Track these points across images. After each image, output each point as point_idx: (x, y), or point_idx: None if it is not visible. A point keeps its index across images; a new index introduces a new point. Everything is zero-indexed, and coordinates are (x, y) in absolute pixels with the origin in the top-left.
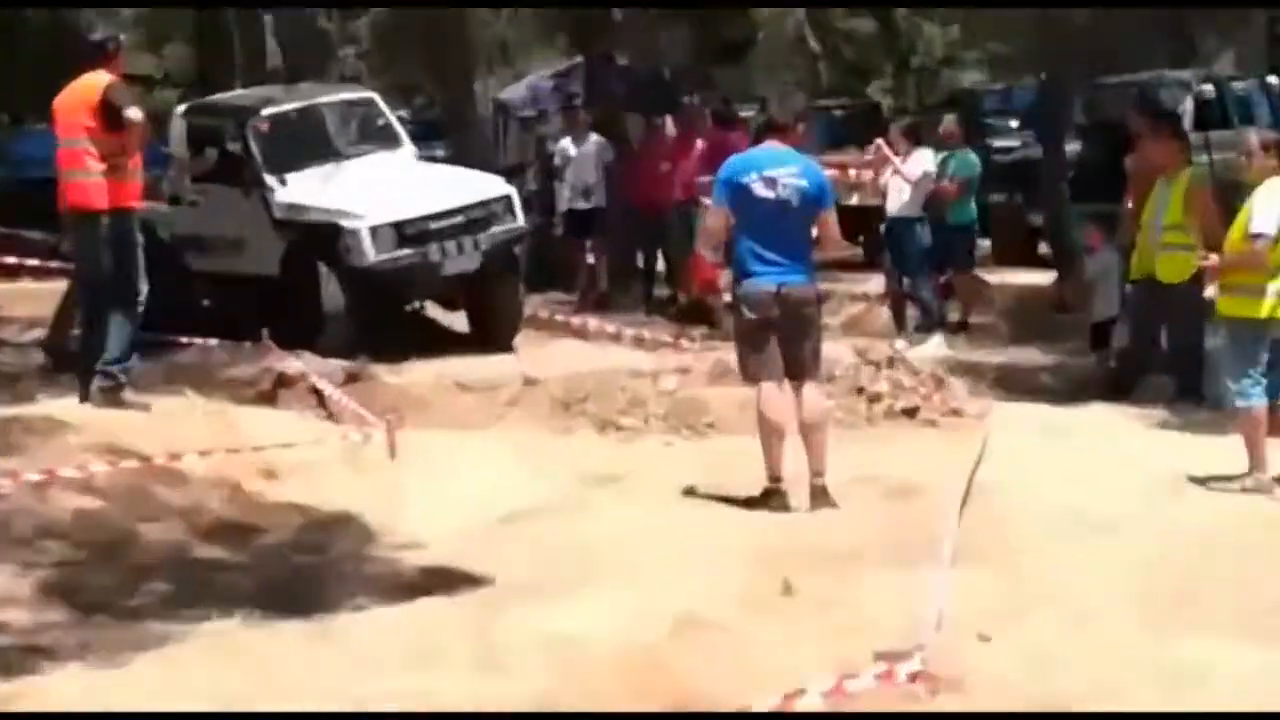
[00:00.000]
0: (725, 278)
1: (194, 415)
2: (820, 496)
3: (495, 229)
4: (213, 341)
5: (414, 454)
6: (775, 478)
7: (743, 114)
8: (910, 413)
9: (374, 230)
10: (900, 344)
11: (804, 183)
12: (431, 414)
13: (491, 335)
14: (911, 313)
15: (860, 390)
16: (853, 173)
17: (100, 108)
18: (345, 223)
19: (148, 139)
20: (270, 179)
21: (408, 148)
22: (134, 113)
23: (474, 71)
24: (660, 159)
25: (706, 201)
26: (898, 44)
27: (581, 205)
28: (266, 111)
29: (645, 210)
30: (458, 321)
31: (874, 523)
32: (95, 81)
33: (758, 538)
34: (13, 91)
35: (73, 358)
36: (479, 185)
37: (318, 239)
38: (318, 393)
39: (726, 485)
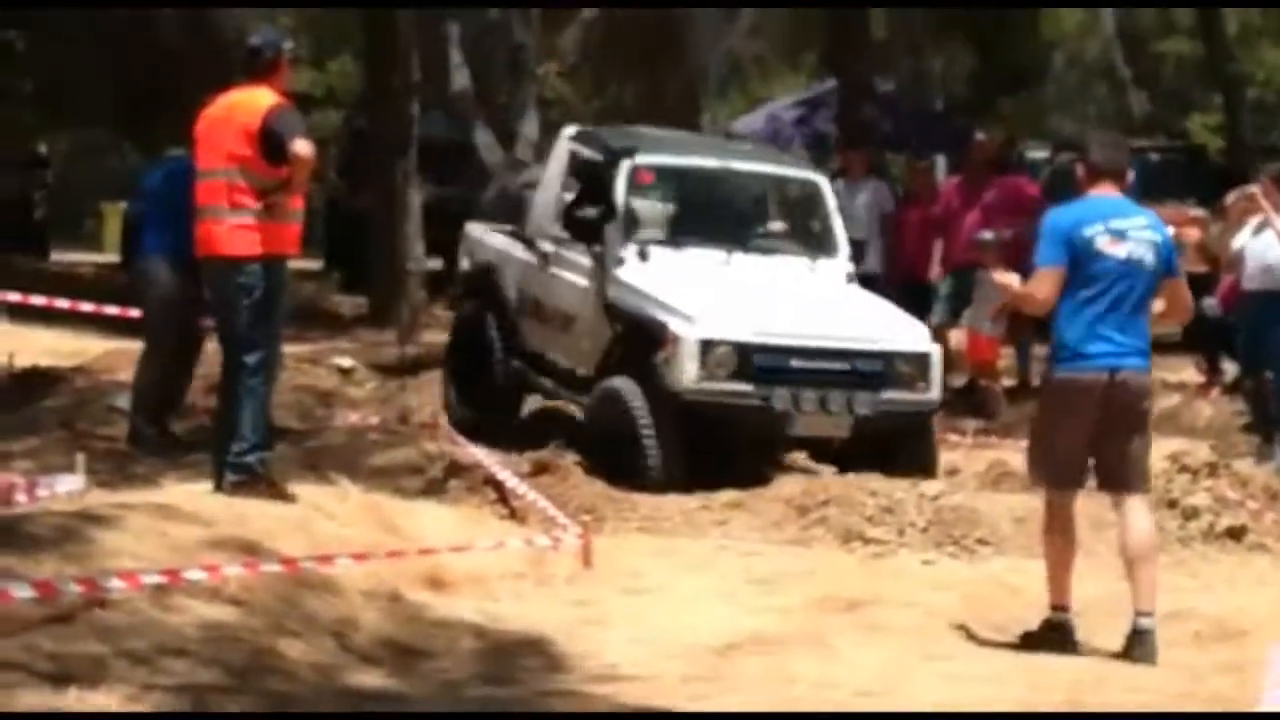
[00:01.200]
0: (1006, 357)
1: (346, 509)
2: (1141, 644)
3: (889, 394)
4: (372, 418)
5: (613, 565)
6: (1060, 606)
7: (1030, 155)
8: (1236, 534)
9: (705, 345)
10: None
11: (1158, 238)
12: (636, 516)
13: None
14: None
15: (1172, 503)
16: (1169, 230)
17: (261, 134)
18: (671, 323)
19: (316, 173)
20: (622, 246)
21: (841, 262)
22: (303, 146)
23: (701, 96)
24: (930, 209)
25: (995, 275)
26: (1228, 69)
27: None
28: (648, 159)
29: (911, 271)
30: None
31: (1182, 672)
32: (254, 101)
33: (1036, 685)
34: (147, 115)
35: (160, 443)
36: (888, 327)
37: (637, 339)
38: (497, 485)
39: (999, 617)
